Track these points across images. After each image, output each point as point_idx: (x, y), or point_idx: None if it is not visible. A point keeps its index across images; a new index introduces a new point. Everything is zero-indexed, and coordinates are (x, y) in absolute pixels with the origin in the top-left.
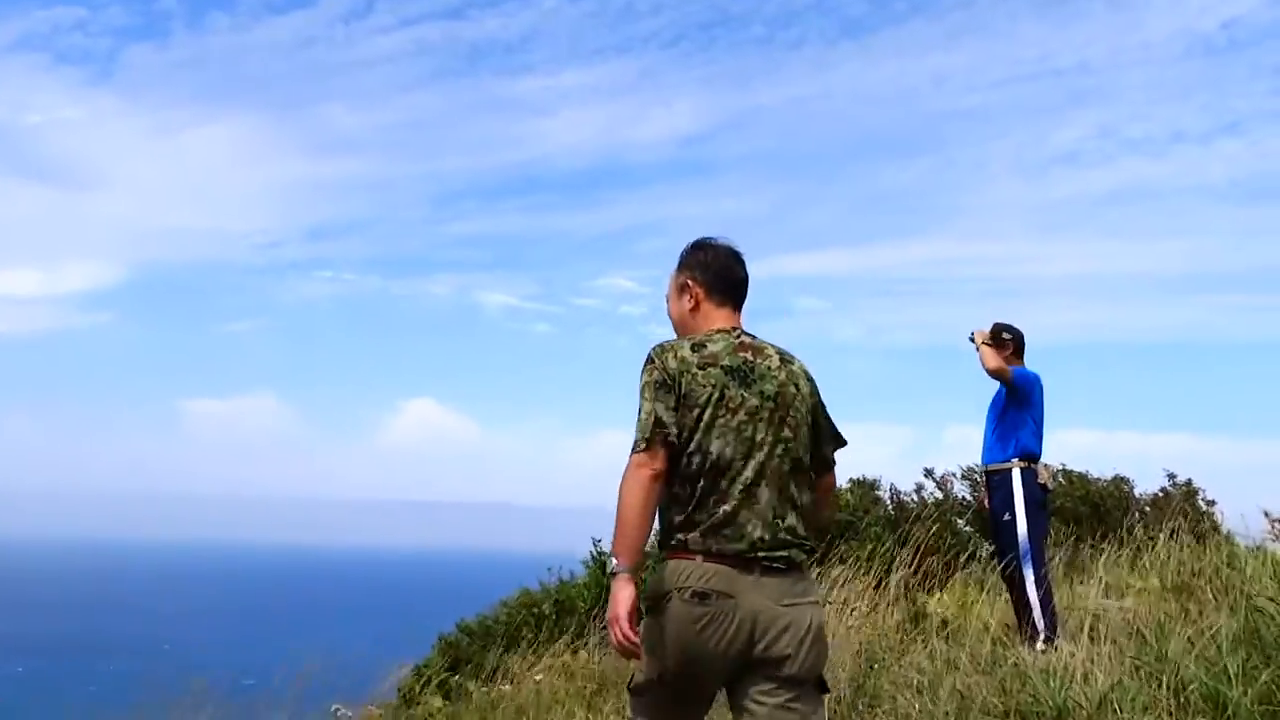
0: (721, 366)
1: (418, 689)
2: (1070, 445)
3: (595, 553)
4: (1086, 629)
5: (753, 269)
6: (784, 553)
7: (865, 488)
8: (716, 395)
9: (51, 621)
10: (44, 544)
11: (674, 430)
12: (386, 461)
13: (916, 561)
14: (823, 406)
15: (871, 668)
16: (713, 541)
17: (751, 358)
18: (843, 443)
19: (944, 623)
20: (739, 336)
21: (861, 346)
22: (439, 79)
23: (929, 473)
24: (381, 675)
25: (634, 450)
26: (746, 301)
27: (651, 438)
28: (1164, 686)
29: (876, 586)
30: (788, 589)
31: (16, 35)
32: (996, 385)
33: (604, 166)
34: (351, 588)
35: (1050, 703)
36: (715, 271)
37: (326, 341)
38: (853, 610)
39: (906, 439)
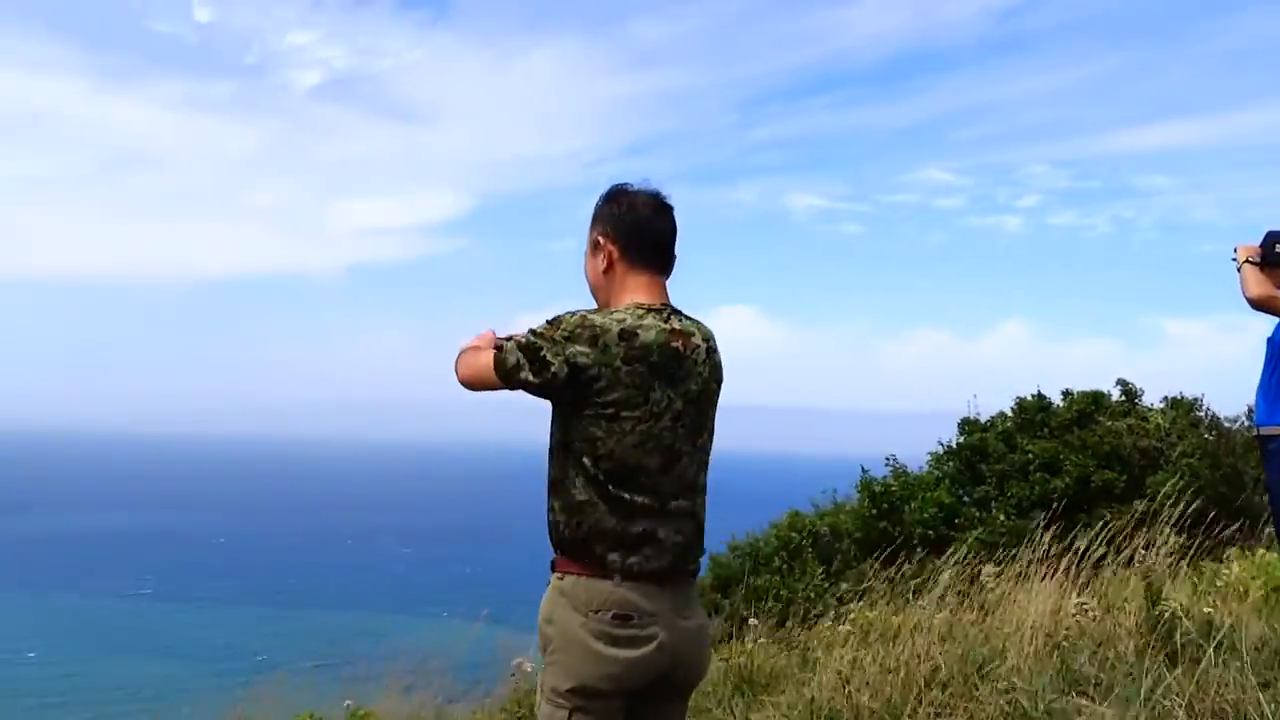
0: (650, 364)
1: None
2: None
3: (863, 480)
4: None
5: (1086, 146)
6: (693, 566)
7: (1181, 409)
8: (640, 399)
9: (435, 514)
10: (415, 447)
11: (542, 380)
12: None
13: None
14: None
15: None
16: (632, 558)
17: (682, 348)
18: None
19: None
20: (669, 318)
21: (1219, 226)
22: None
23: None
24: None
25: (497, 350)
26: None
27: (521, 366)
28: None
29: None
30: (691, 599)
31: None
32: (1273, 321)
33: (912, 53)
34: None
35: None
36: (632, 227)
37: None
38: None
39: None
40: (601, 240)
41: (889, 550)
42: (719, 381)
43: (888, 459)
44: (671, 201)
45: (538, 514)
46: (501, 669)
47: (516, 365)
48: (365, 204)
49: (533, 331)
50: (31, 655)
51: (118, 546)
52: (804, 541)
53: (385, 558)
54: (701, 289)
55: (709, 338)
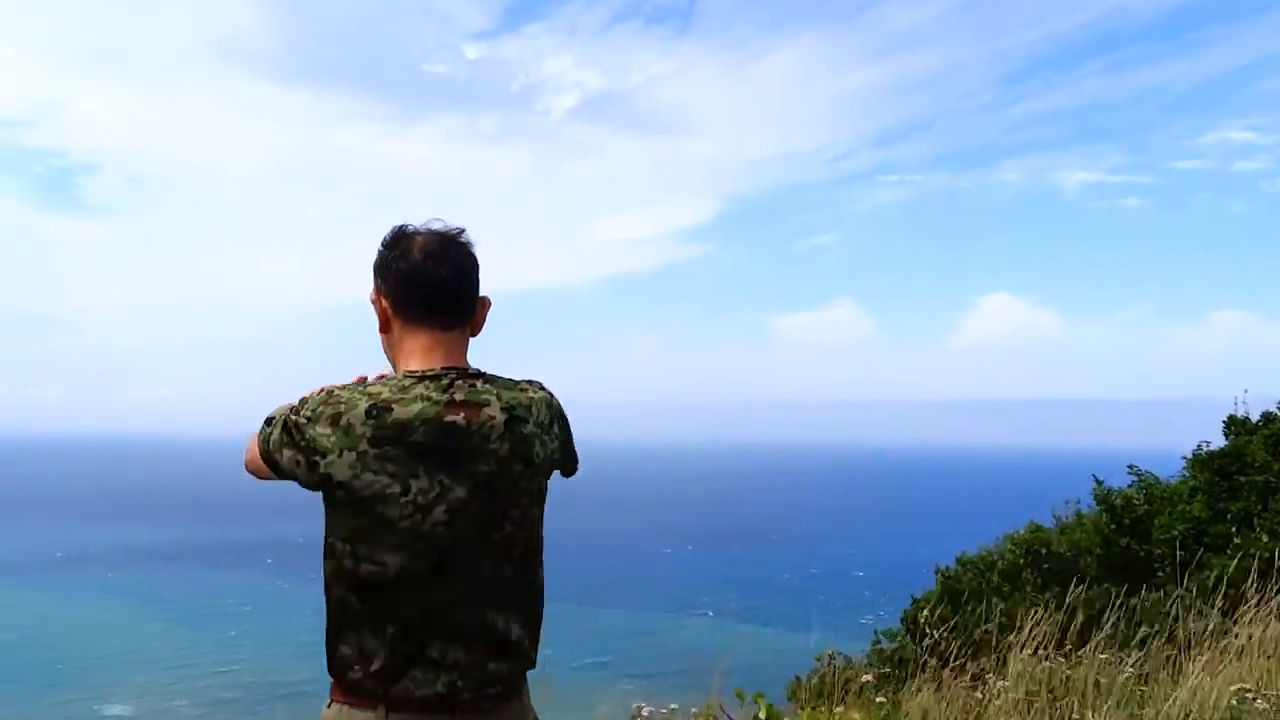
0: (409, 444)
1: (920, 619)
2: None
3: (1098, 491)
4: None
5: None
6: (495, 688)
7: None
8: (397, 489)
9: (696, 514)
10: (672, 447)
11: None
12: (963, 361)
13: None
14: (570, 442)
15: None
16: (396, 684)
17: (463, 422)
18: (573, 471)
19: None
20: (451, 386)
21: None
22: None
23: None
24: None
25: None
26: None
27: (271, 453)
28: None
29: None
30: None
31: (611, 13)
32: None
33: (1197, 1)
34: (931, 487)
35: None
36: (404, 276)
37: (897, 246)
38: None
39: None
40: (375, 294)
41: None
42: (529, 460)
43: (1130, 467)
44: (465, 238)
45: (796, 514)
46: (774, 672)
47: (266, 453)
48: (619, 218)
49: (291, 409)
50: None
51: None
52: (1022, 561)
53: (647, 556)
54: (959, 278)
55: (516, 405)
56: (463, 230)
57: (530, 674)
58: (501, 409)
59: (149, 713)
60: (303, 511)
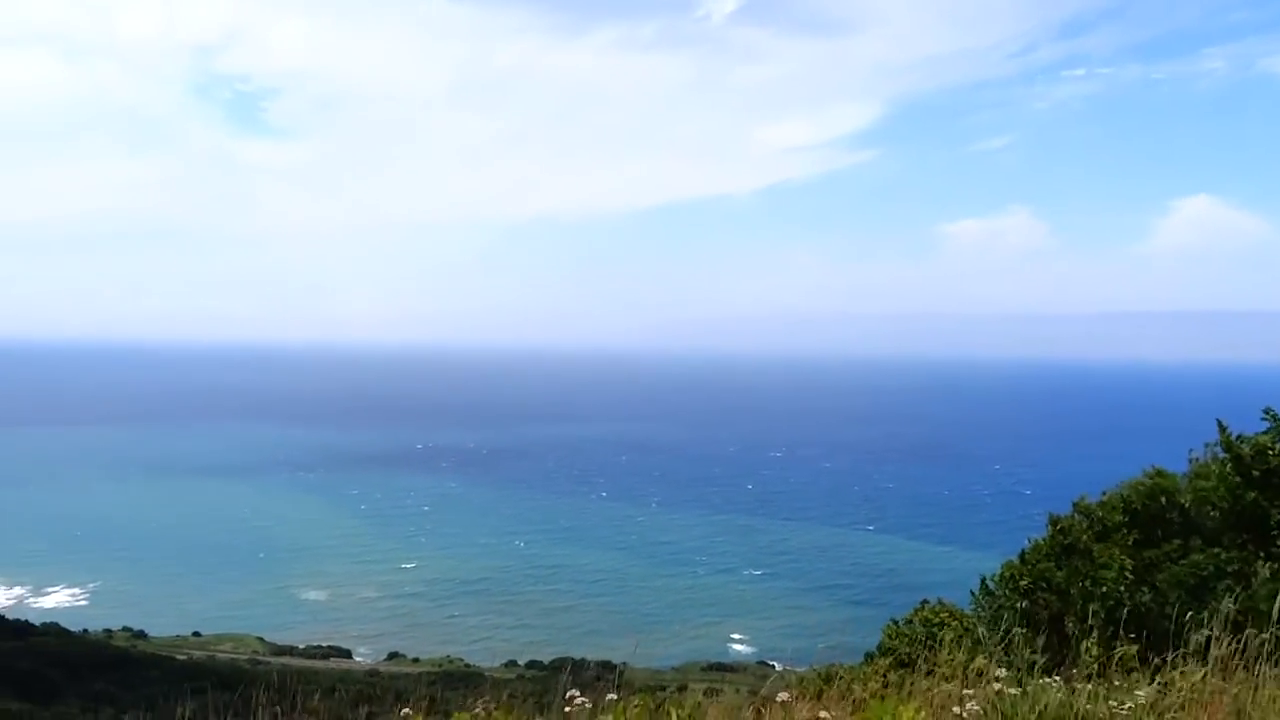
0: None
1: (1018, 577)
2: None
3: (1224, 438)
4: None
5: None
6: None
7: None
8: None
9: (846, 429)
10: (828, 360)
11: None
12: (1154, 270)
13: None
14: None
15: None
16: None
17: None
18: None
19: None
20: None
21: None
22: None
23: None
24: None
25: None
26: None
27: None
28: None
29: None
30: None
31: None
32: None
33: None
34: (1116, 404)
35: None
36: None
37: (1081, 147)
38: None
39: None
40: None
41: (1257, 534)
42: None
43: (1265, 411)
44: None
45: (961, 430)
46: (920, 592)
47: None
48: (780, 124)
49: None
50: (520, 542)
51: (594, 453)
52: (1120, 519)
53: (807, 470)
54: (1151, 181)
55: None
56: None
57: (702, 574)
58: None
59: (342, 600)
60: (477, 422)
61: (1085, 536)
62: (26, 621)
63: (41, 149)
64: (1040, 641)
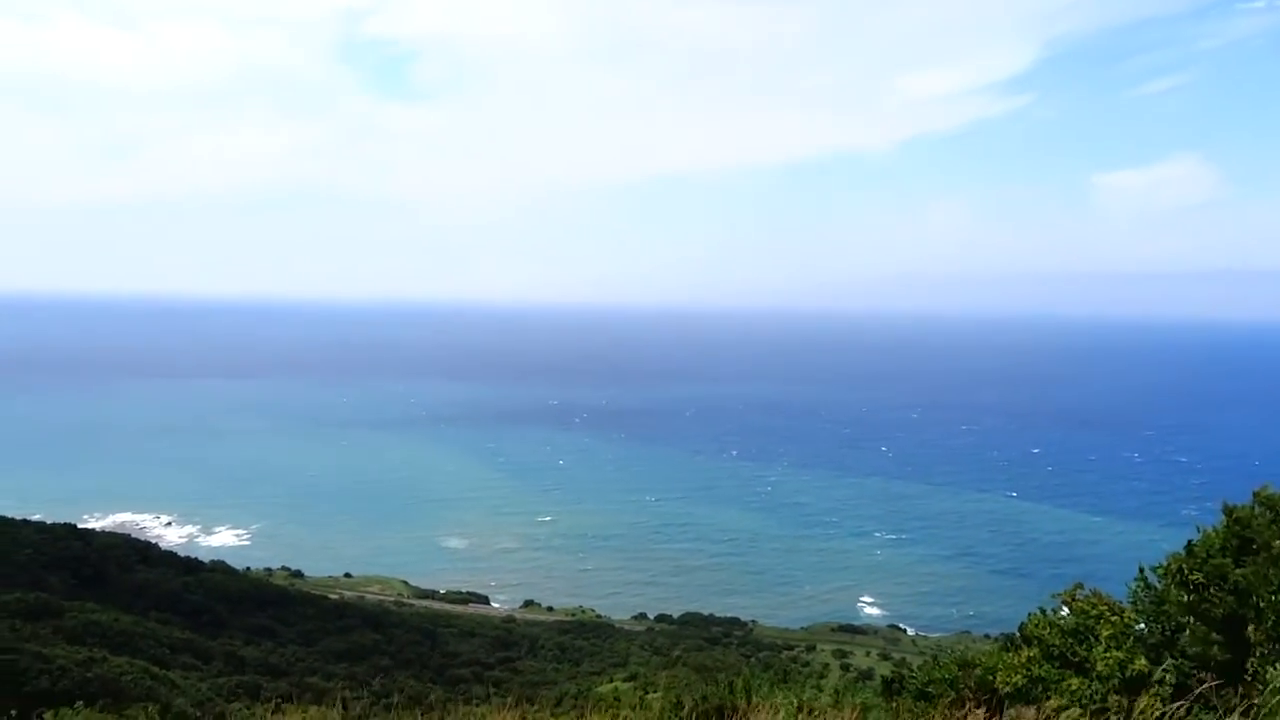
0: None
1: (1186, 571)
2: None
3: None
4: None
5: None
6: None
7: None
8: None
9: (988, 391)
10: (972, 321)
11: None
12: None
13: None
14: None
15: None
16: None
17: None
18: None
19: None
20: None
21: None
22: None
23: None
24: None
25: None
26: None
27: None
28: None
29: None
30: None
31: None
32: None
33: None
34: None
35: None
36: None
37: (1260, 88)
38: None
39: None
40: None
41: None
42: None
43: None
44: None
45: (1112, 395)
46: (1072, 568)
47: None
48: (921, 73)
49: None
50: (651, 499)
51: (726, 412)
52: None
53: (946, 434)
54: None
55: None
56: None
57: (844, 547)
58: None
59: (480, 548)
60: (609, 380)
61: (1268, 532)
62: (197, 559)
63: (206, 117)
64: (1213, 646)
